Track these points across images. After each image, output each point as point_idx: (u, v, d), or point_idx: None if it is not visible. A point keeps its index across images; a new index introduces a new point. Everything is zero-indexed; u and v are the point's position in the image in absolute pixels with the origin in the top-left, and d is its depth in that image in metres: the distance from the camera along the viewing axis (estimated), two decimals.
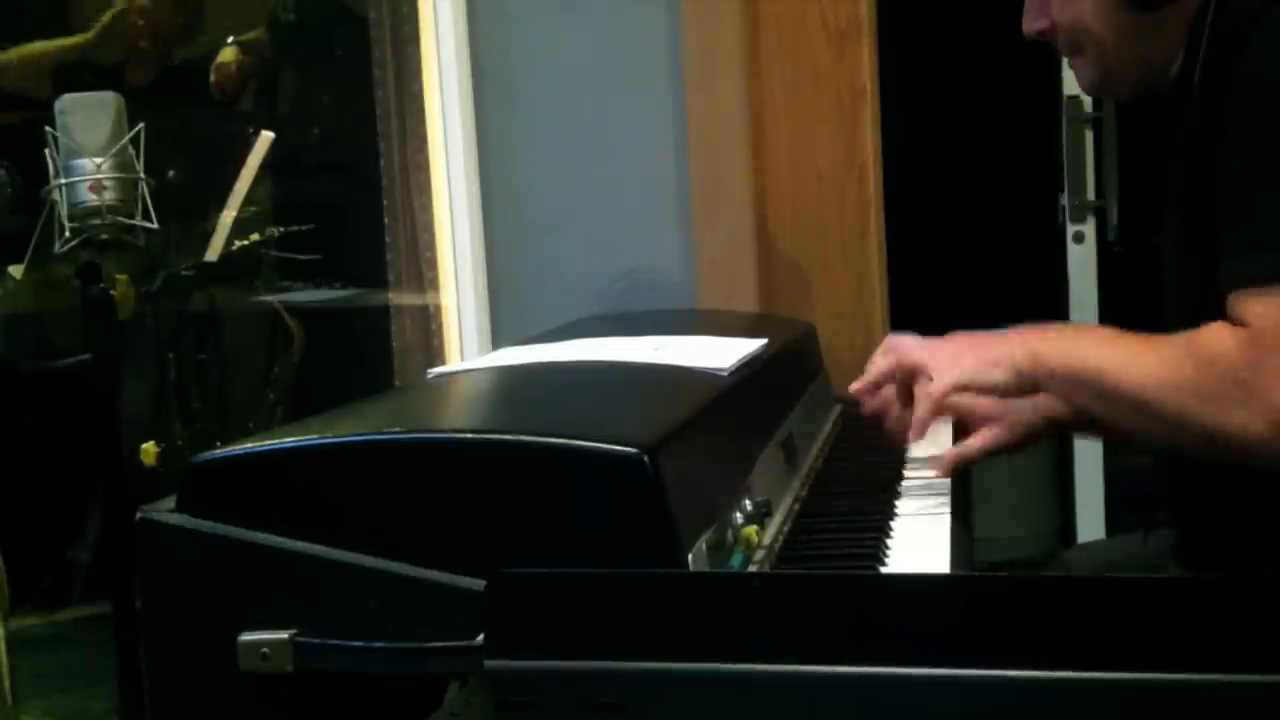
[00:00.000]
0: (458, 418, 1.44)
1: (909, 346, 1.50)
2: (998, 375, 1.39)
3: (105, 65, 3.90)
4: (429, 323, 2.90)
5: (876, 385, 1.54)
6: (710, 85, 2.61)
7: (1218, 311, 1.28)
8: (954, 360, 1.43)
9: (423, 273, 2.89)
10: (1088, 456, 3.05)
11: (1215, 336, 1.27)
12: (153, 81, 3.79)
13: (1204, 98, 1.34)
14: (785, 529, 1.37)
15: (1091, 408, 1.37)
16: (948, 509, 1.48)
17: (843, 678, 0.83)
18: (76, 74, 3.64)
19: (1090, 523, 3.04)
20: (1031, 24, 1.50)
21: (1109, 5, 1.40)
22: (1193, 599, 0.81)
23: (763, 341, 1.62)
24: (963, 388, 1.42)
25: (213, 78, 3.72)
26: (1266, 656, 0.79)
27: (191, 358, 3.61)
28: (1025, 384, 1.39)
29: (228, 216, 3.03)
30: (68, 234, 2.09)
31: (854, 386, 1.57)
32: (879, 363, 1.52)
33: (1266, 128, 1.26)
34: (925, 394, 1.44)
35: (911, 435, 1.47)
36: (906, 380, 1.49)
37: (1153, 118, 1.48)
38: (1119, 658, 0.80)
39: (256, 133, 3.11)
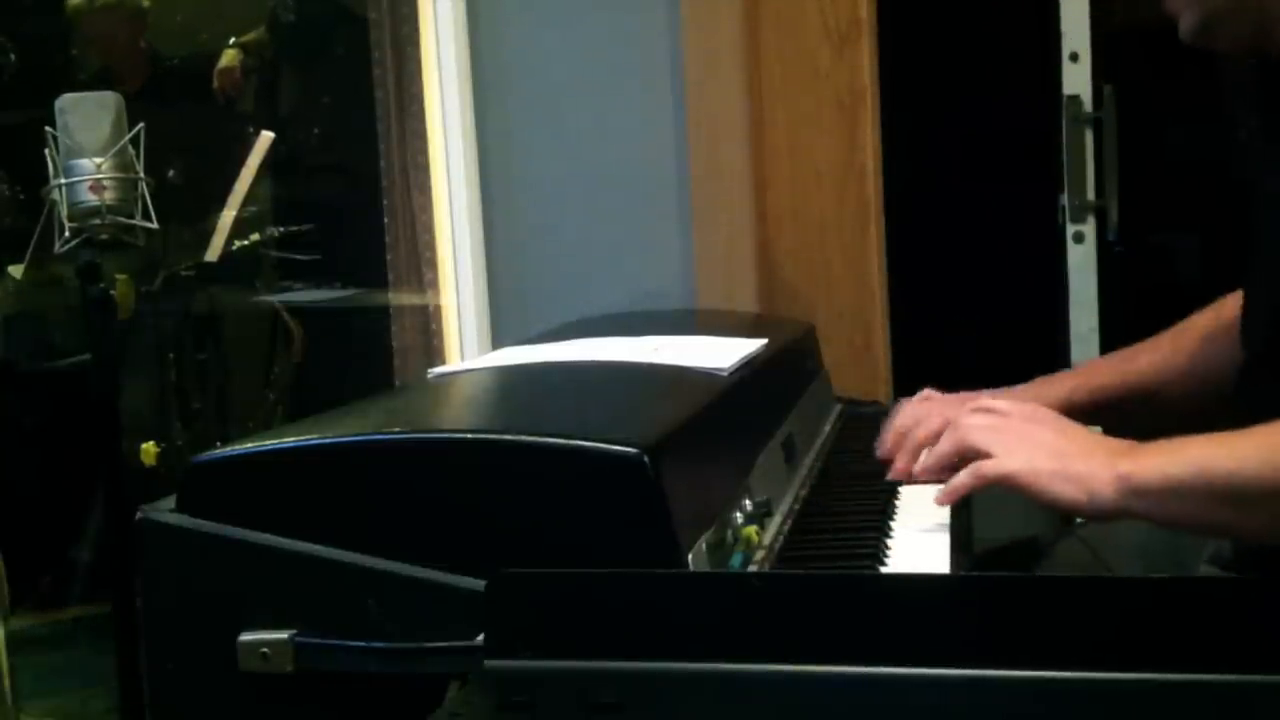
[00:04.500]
0: (458, 418, 1.44)
1: (975, 428, 1.35)
2: (1069, 492, 1.24)
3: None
4: (429, 323, 2.90)
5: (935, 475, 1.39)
6: (710, 85, 2.61)
7: None
8: (1027, 453, 1.28)
9: (423, 273, 2.89)
10: None
11: None
12: (152, 81, 3.80)
13: None
14: (785, 529, 1.37)
15: (1217, 519, 1.19)
16: (948, 509, 1.48)
17: (843, 678, 0.83)
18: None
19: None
20: None
21: None
22: (1194, 599, 0.81)
23: (763, 341, 1.62)
24: (1019, 484, 1.28)
25: (216, 83, 3.73)
26: (1269, 656, 0.78)
27: (191, 358, 3.61)
28: (1099, 512, 1.24)
29: (228, 216, 3.03)
30: (68, 234, 2.09)
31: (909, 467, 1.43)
32: (941, 449, 1.38)
33: None
34: (978, 470, 1.30)
35: (940, 497, 1.34)
36: (962, 457, 1.34)
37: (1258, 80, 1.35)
38: (1120, 658, 0.80)
39: (256, 133, 3.11)
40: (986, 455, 1.31)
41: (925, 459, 1.40)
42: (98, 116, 2.10)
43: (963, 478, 1.31)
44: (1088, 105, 2.91)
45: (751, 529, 1.23)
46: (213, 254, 3.08)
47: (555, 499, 1.05)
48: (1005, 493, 1.32)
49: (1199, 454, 1.19)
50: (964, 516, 1.50)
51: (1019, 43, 3.49)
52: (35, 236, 2.24)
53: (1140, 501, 1.21)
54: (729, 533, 1.20)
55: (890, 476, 1.52)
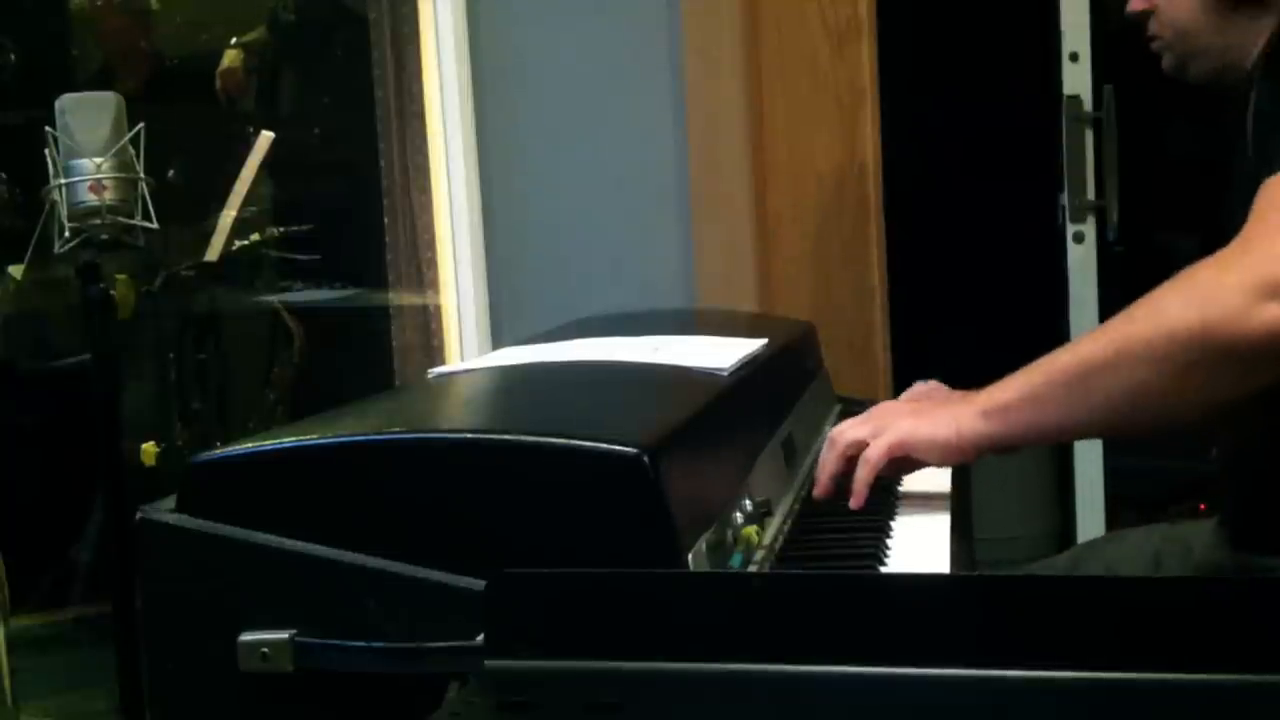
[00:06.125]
0: (458, 418, 1.44)
1: (844, 428, 1.43)
2: (940, 433, 1.33)
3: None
4: (429, 323, 2.91)
5: (835, 484, 1.43)
6: (710, 85, 2.61)
7: None
8: (897, 424, 1.38)
9: (423, 273, 2.89)
10: (1088, 455, 3.05)
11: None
12: (153, 81, 3.80)
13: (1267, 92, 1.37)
14: (785, 529, 1.37)
15: (1072, 412, 1.28)
16: (947, 509, 1.48)
17: (843, 678, 0.83)
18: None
19: (1091, 522, 3.04)
20: (1136, 3, 1.56)
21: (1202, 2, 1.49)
22: (1194, 599, 0.81)
23: (763, 341, 1.62)
24: (898, 447, 1.36)
25: (219, 84, 3.72)
26: (1269, 656, 0.78)
27: (191, 358, 3.60)
28: (978, 444, 1.32)
29: (228, 216, 3.03)
30: (68, 234, 2.09)
31: (816, 493, 1.46)
32: (826, 460, 1.43)
33: None
34: (863, 458, 1.38)
35: (851, 501, 1.39)
36: (852, 460, 1.40)
37: (1224, 108, 1.52)
38: (1119, 658, 0.80)
39: (256, 133, 3.11)
40: (866, 445, 1.39)
41: (820, 479, 1.43)
42: (98, 117, 2.10)
43: (860, 473, 1.38)
44: (1088, 105, 2.91)
45: (751, 529, 1.23)
46: (213, 254, 3.07)
47: (555, 499, 1.06)
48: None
49: (1045, 360, 1.30)
50: (964, 515, 1.50)
51: (1019, 43, 3.49)
52: (35, 236, 2.24)
53: (1004, 420, 1.31)
54: (729, 533, 1.20)
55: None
